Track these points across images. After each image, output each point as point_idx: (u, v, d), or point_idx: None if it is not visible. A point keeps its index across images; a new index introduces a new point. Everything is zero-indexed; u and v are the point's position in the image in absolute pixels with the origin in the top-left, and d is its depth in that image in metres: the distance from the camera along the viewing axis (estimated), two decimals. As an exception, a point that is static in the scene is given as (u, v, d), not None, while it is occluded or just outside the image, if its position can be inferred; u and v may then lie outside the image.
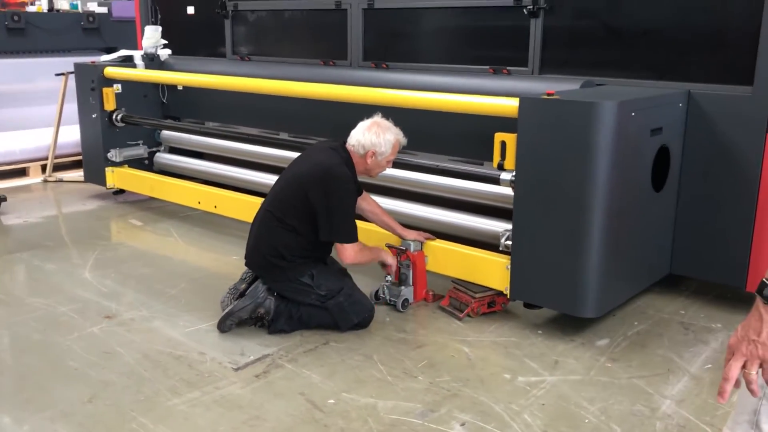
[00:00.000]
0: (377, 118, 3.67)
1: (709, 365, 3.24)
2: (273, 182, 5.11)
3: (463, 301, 3.73)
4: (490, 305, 3.73)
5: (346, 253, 3.52)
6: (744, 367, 1.48)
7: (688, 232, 3.85)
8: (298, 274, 3.53)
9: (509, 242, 3.64)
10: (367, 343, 3.44)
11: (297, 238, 3.52)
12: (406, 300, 3.81)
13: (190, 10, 6.39)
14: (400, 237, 3.92)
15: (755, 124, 3.53)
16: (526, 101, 3.40)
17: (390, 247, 3.90)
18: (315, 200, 3.45)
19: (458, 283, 3.83)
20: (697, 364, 3.26)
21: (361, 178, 3.70)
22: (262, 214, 3.66)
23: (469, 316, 3.68)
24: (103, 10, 8.57)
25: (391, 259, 3.80)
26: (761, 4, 3.44)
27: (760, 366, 1.46)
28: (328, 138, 4.94)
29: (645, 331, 3.59)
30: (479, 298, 3.70)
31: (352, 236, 3.53)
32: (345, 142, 3.66)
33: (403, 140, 3.69)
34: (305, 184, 3.49)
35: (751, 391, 1.48)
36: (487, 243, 3.99)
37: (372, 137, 3.57)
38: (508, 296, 3.66)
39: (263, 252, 3.57)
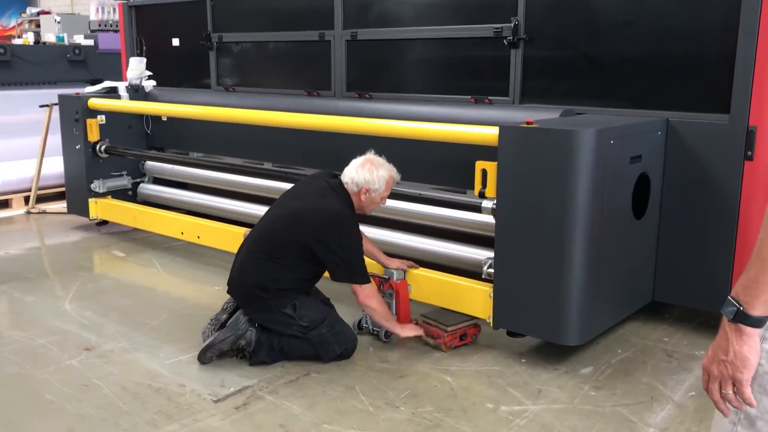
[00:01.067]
0: (370, 155, 3.68)
1: (693, 393, 3.22)
2: (257, 212, 5.15)
3: (435, 335, 3.67)
4: (462, 338, 3.68)
5: (364, 292, 3.51)
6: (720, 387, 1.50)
7: (670, 259, 3.86)
8: (281, 305, 3.49)
9: (491, 270, 3.64)
10: (349, 374, 3.40)
11: (286, 272, 3.50)
12: (389, 329, 3.78)
13: (175, 42, 6.43)
14: (383, 266, 3.90)
15: (733, 151, 3.57)
16: (505, 130, 3.42)
17: (373, 276, 3.88)
18: (325, 245, 3.43)
19: (427, 316, 3.77)
20: (681, 391, 3.24)
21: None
22: (249, 245, 3.63)
23: (441, 350, 3.63)
24: (90, 42, 8.61)
25: (411, 330, 3.66)
26: (735, 34, 3.50)
27: (734, 384, 1.47)
28: (316, 170, 4.98)
29: (629, 359, 3.58)
30: (452, 332, 3.64)
31: (367, 277, 3.55)
32: (336, 175, 3.67)
33: (397, 176, 3.70)
34: (310, 227, 3.46)
35: (736, 407, 1.50)
36: (470, 271, 3.98)
37: (365, 174, 3.58)
38: (492, 324, 3.64)
39: (247, 283, 3.54)
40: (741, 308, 1.43)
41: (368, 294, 3.53)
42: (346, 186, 3.61)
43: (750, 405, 1.49)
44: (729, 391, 1.48)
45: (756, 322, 1.43)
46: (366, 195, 3.60)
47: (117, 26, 9.60)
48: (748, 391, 1.46)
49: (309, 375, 3.40)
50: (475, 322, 3.71)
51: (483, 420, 2.98)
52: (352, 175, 3.60)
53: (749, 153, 3.54)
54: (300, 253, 3.49)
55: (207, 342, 3.50)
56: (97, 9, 10.27)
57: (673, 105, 3.83)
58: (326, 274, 3.69)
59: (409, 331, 3.65)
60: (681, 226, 3.81)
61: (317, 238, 3.44)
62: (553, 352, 3.59)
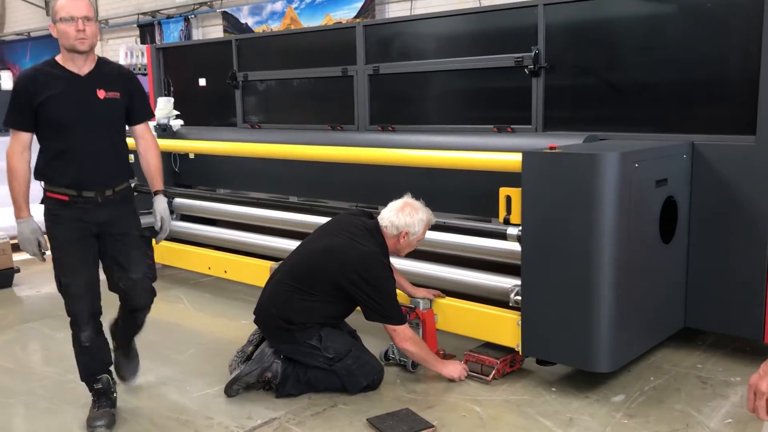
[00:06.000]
0: (408, 199, 3.70)
1: (730, 420, 3.13)
2: (283, 245, 5.17)
3: (487, 363, 3.62)
4: (512, 364, 3.68)
5: (399, 336, 3.49)
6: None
7: (701, 284, 3.79)
8: (306, 337, 3.49)
9: (519, 297, 3.60)
10: (376, 405, 3.37)
11: (315, 307, 3.51)
12: (417, 360, 3.75)
13: (202, 81, 6.56)
14: (409, 295, 3.89)
15: (761, 173, 3.52)
16: (529, 155, 3.42)
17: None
18: (358, 285, 3.43)
19: (473, 350, 3.75)
20: (717, 418, 3.16)
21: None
22: (280, 277, 3.64)
23: (494, 378, 3.58)
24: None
25: (454, 370, 3.59)
26: (758, 55, 3.48)
27: None
28: (341, 203, 4.97)
29: (662, 386, 3.50)
30: (503, 359, 3.61)
31: (400, 318, 3.52)
32: (372, 215, 3.69)
33: (433, 219, 3.72)
34: (343, 266, 3.46)
35: None
36: (497, 300, 3.94)
37: (406, 218, 3.60)
38: (520, 352, 3.59)
39: (274, 314, 3.54)
40: None
41: (403, 337, 3.50)
42: (384, 230, 3.61)
43: None
44: None
45: None
46: (405, 239, 3.62)
47: (145, 69, 9.85)
48: None
49: (336, 406, 3.37)
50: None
51: (513, 449, 2.93)
52: (392, 219, 3.61)
53: (778, 174, 3.49)
54: (331, 289, 3.49)
55: (233, 375, 3.50)
56: (126, 53, 10.55)
57: (698, 128, 3.80)
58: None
59: (453, 370, 3.59)
60: (711, 250, 3.74)
61: (349, 278, 3.44)
62: (584, 380, 3.52)
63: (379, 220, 3.65)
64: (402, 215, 3.60)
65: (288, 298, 3.53)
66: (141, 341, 4.32)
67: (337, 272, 3.46)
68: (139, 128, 3.42)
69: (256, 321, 3.67)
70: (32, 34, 18.35)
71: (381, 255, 3.55)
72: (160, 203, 3.57)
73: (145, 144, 3.47)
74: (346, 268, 3.45)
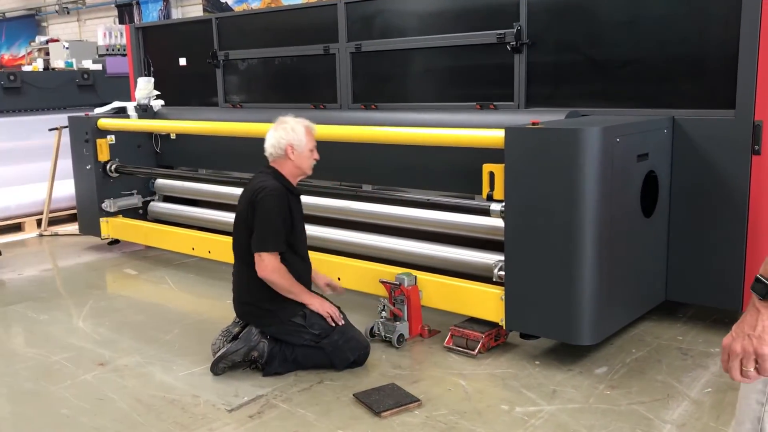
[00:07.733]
0: (279, 118, 3.67)
1: (709, 389, 3.19)
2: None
3: (472, 338, 3.66)
4: (496, 338, 3.71)
5: (262, 264, 3.41)
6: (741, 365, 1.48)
7: (681, 257, 3.84)
8: (290, 315, 3.50)
9: (502, 272, 3.63)
10: (363, 380, 3.39)
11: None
12: (402, 335, 3.78)
13: (182, 61, 6.50)
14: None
15: (740, 147, 3.56)
16: (511, 131, 3.43)
17: (384, 282, 3.89)
18: (254, 214, 3.46)
19: (458, 325, 3.78)
20: (697, 388, 3.22)
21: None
22: (234, 267, 3.69)
23: (480, 352, 3.63)
24: (98, 67, 8.71)
25: (321, 306, 3.51)
26: (738, 30, 3.51)
27: (756, 362, 1.46)
28: (323, 181, 4.95)
29: (643, 358, 3.55)
30: (487, 334, 3.64)
31: (268, 244, 3.43)
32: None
33: (312, 125, 3.67)
34: (243, 213, 3.52)
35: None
36: (481, 276, 3.97)
37: (281, 133, 3.58)
38: (504, 327, 3.63)
39: (247, 302, 3.56)
40: None
41: (268, 267, 3.41)
42: (273, 160, 3.60)
43: None
44: (750, 368, 1.47)
45: None
46: (293, 152, 3.57)
47: (124, 50, 9.72)
48: None
49: (322, 382, 3.40)
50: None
51: (498, 421, 2.97)
52: (271, 141, 3.59)
53: (756, 147, 3.53)
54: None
55: (220, 353, 3.50)
56: (105, 34, 10.41)
57: (679, 103, 3.83)
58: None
59: (320, 305, 3.49)
60: (691, 224, 3.79)
61: (247, 219, 3.46)
62: (567, 353, 3.57)
63: (265, 154, 3.63)
64: (275, 133, 3.58)
65: (247, 282, 3.54)
66: (127, 322, 4.33)
67: (250, 217, 3.47)
68: None
69: (237, 315, 3.67)
70: (7, 15, 17.99)
71: (276, 185, 3.50)
72: None
73: None
74: (250, 205, 3.48)
